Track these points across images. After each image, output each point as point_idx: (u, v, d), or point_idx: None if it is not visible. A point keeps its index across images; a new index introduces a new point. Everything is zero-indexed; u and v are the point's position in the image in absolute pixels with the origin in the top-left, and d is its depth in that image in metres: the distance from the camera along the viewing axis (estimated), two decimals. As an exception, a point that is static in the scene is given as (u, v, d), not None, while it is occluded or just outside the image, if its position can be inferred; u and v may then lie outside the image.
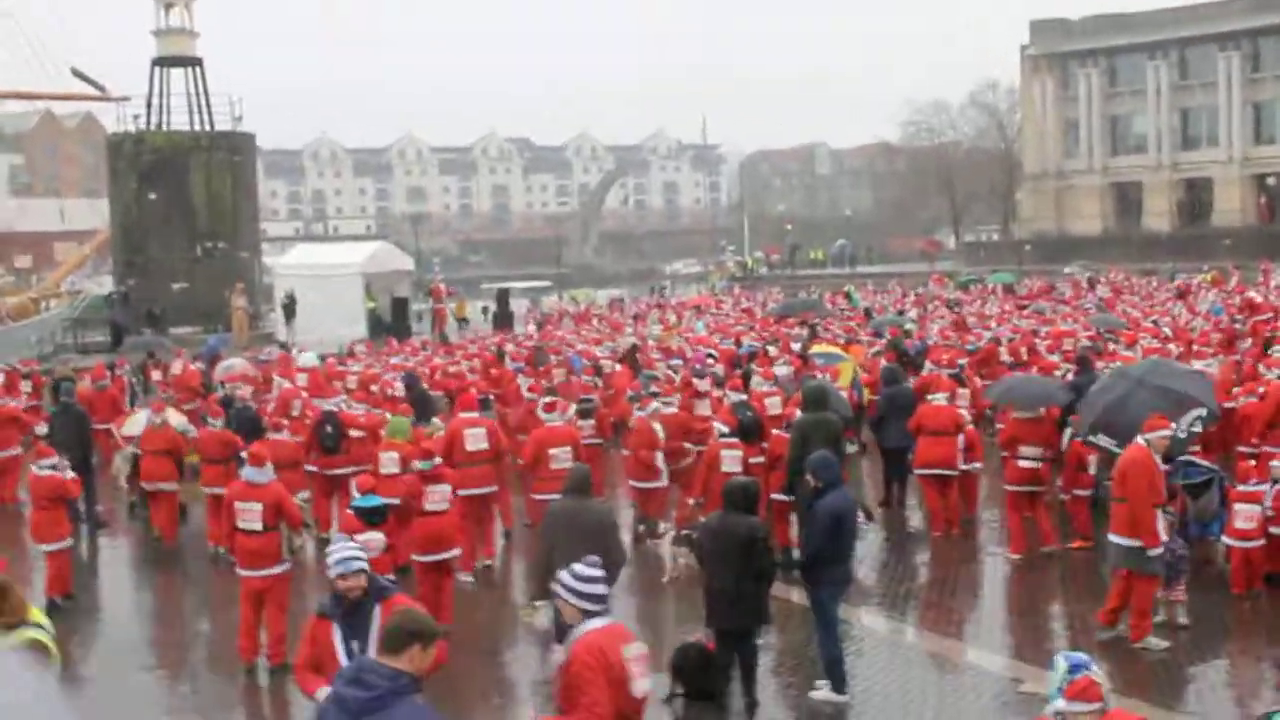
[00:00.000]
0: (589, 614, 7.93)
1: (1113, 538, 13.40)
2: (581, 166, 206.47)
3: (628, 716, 7.92)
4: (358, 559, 8.77)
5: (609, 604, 8.09)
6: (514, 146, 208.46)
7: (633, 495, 19.20)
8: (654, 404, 19.30)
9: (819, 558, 12.19)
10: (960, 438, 18.49)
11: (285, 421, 20.34)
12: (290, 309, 45.98)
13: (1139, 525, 13.08)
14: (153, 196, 49.51)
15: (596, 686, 7.67)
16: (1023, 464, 17.19)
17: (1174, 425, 14.59)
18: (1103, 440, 15.38)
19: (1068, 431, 17.45)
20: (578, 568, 8.08)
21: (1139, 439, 13.51)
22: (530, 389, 22.17)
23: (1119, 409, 15.49)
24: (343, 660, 8.23)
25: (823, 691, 12.28)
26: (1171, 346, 24.27)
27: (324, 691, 8.04)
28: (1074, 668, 6.61)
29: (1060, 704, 6.55)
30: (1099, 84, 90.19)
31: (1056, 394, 18.54)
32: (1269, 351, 22.14)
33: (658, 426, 18.55)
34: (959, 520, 18.52)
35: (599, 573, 8.03)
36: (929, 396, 19.13)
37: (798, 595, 13.45)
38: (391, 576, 13.63)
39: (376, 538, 13.12)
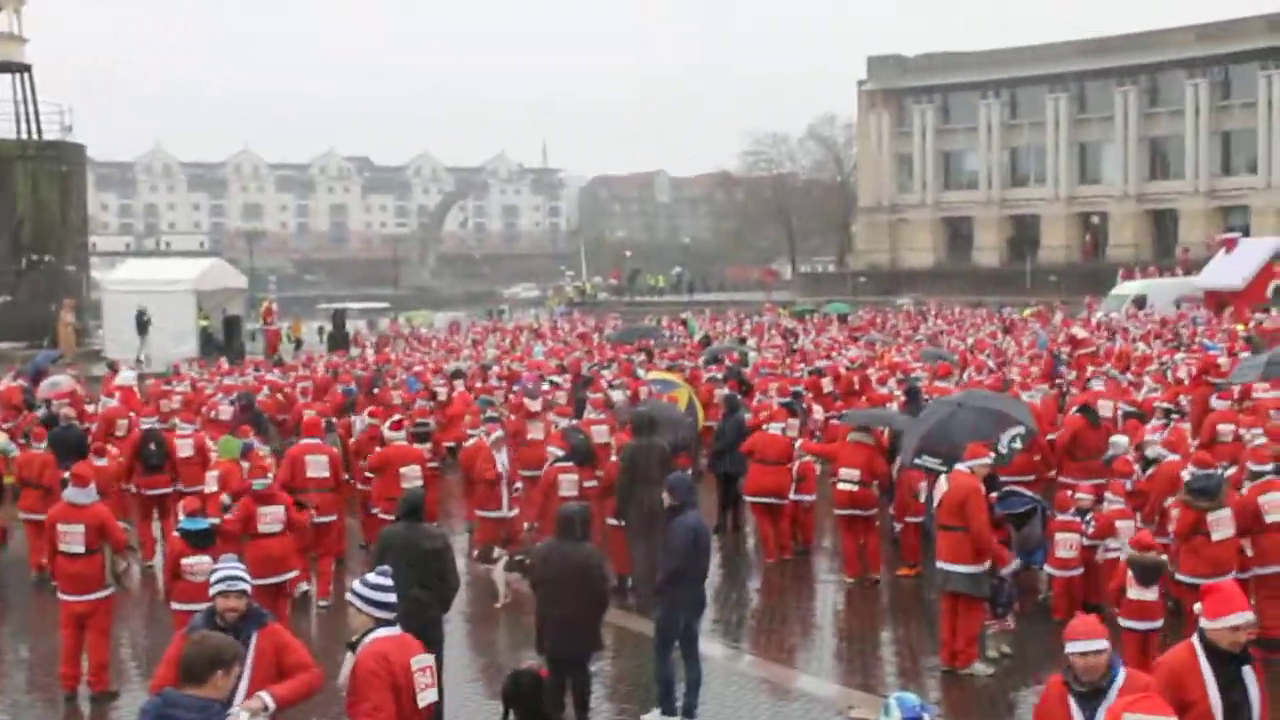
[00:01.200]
0: (380, 621, 8.10)
1: (944, 565, 13.62)
2: (421, 187, 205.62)
3: None
4: (241, 579, 8.69)
5: (398, 612, 8.23)
6: (353, 165, 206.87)
7: (479, 523, 18.66)
8: (497, 431, 19.01)
9: (678, 576, 12.23)
10: (794, 467, 18.72)
11: (109, 446, 19.79)
12: (143, 325, 44.67)
13: (984, 549, 13.41)
14: (-25, 206, 48.02)
15: (379, 692, 7.84)
16: (841, 486, 17.37)
17: (997, 440, 15.34)
18: (929, 461, 15.70)
19: (898, 460, 17.75)
20: (370, 576, 8.28)
21: (962, 466, 13.86)
22: (371, 413, 21.87)
23: (942, 431, 15.95)
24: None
25: (652, 715, 12.31)
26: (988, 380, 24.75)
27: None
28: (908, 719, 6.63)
29: None
30: (933, 120, 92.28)
31: (894, 419, 18.87)
32: (1088, 385, 22.74)
33: (499, 455, 18.26)
34: (790, 548, 18.71)
35: (389, 581, 8.22)
36: (765, 426, 19.31)
37: (633, 622, 13.49)
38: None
39: (204, 561, 12.83)
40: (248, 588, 8.73)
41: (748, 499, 19.13)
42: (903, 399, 22.02)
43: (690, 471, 19.87)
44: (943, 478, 14.01)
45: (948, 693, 13.06)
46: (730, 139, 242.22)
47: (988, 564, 13.60)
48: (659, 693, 12.38)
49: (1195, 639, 7.84)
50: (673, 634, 12.31)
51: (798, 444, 19.26)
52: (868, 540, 17.51)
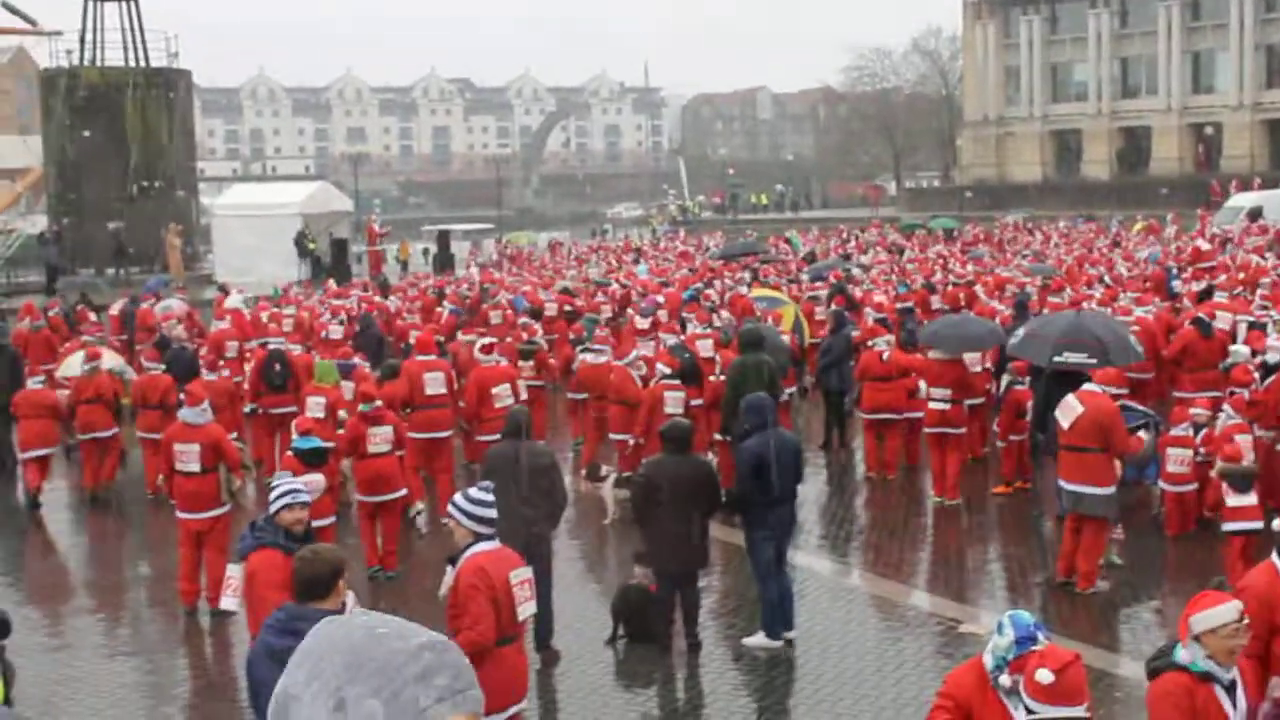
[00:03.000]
0: (479, 536, 8.15)
1: (1074, 487, 13.30)
2: (523, 108, 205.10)
3: (511, 638, 8.22)
4: (302, 492, 9.02)
5: (497, 527, 8.35)
6: (455, 87, 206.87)
7: (616, 446, 18.33)
8: (634, 352, 18.94)
9: (744, 499, 12.20)
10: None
11: (221, 362, 20.09)
12: (304, 249, 45.29)
13: (1110, 471, 13.16)
14: (87, 134, 48.44)
15: (478, 605, 7.95)
16: (932, 405, 17.15)
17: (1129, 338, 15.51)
18: (1072, 356, 15.23)
19: (1005, 379, 17.52)
20: (471, 490, 8.36)
21: (1095, 387, 13.62)
22: (464, 331, 21.96)
23: (1079, 327, 15.52)
24: None
25: (756, 638, 12.33)
26: (1099, 293, 24.37)
27: (230, 601, 8.37)
28: (1020, 641, 6.47)
29: (1004, 680, 6.44)
30: (1040, 31, 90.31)
31: (986, 338, 18.51)
32: (1202, 299, 22.28)
33: (635, 375, 18.14)
34: (895, 466, 18.56)
35: (489, 497, 8.31)
36: (869, 342, 19.13)
37: (741, 538, 13.49)
38: (332, 519, 13.64)
39: (317, 479, 13.03)
40: (309, 500, 9.11)
41: (862, 415, 18.97)
42: (1008, 313, 21.76)
43: (795, 389, 19.82)
44: (1072, 397, 13.58)
45: (1057, 608, 12.97)
46: (833, 54, 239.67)
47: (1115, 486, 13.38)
48: (763, 616, 12.39)
49: (1275, 555, 7.69)
50: (761, 556, 12.25)
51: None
52: (946, 459, 17.14)
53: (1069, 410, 13.45)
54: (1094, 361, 14.74)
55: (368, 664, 2.43)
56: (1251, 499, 12.70)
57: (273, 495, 9.06)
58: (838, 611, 13.34)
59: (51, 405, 19.03)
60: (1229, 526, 12.76)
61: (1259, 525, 12.57)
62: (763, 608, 12.37)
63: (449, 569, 8.30)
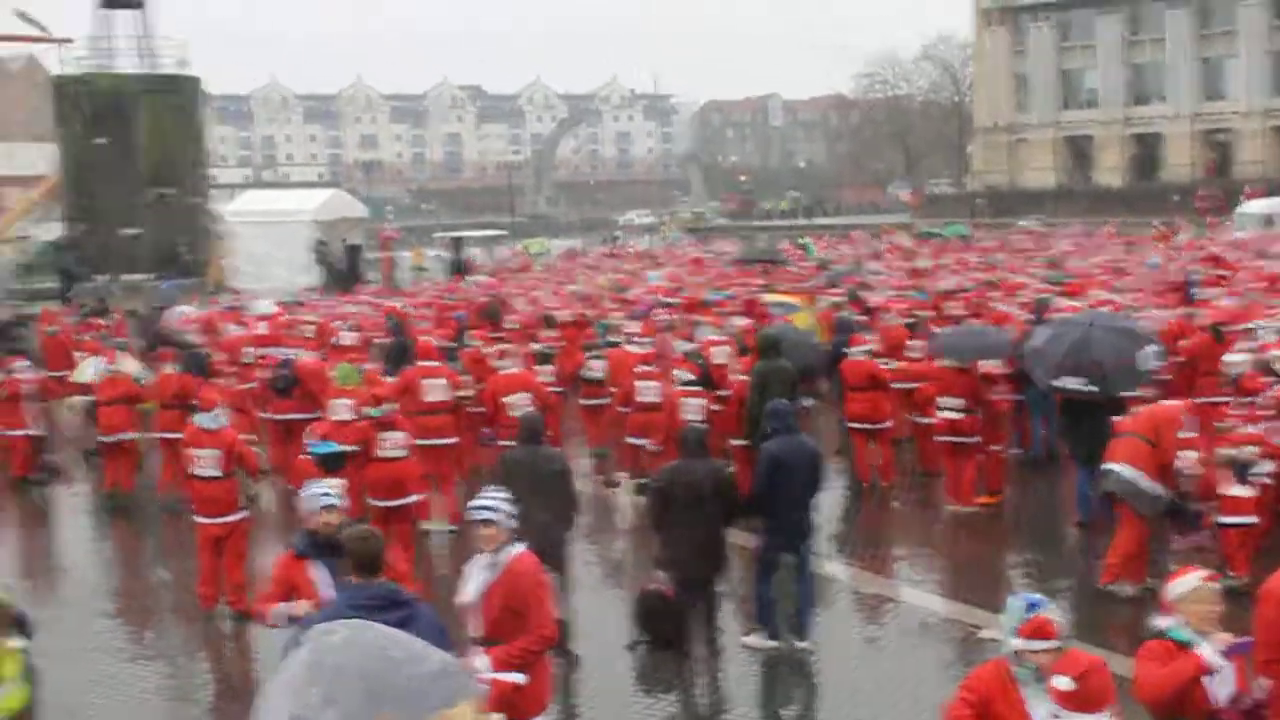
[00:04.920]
0: (515, 537, 8.27)
1: (1120, 468, 13.10)
2: (534, 115, 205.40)
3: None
4: (332, 495, 9.04)
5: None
6: (466, 95, 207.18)
7: (626, 452, 18.62)
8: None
9: (760, 501, 12.19)
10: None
11: (234, 368, 20.15)
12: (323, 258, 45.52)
13: (1150, 463, 12.99)
14: (100, 140, 48.65)
15: (546, 602, 8.13)
16: (942, 414, 17.03)
17: (1135, 358, 15.15)
18: (1070, 382, 15.30)
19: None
20: (496, 494, 8.36)
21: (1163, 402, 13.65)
22: (476, 335, 21.98)
23: (1081, 350, 15.45)
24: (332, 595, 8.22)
25: (754, 637, 12.34)
26: (1119, 298, 24.31)
27: (281, 611, 8.45)
28: (1030, 606, 6.54)
29: (1016, 643, 6.46)
30: (1051, 38, 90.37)
31: (998, 347, 18.35)
32: (1219, 303, 22.21)
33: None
34: (890, 474, 18.36)
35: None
36: (848, 350, 19.01)
37: (754, 543, 13.47)
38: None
39: (335, 484, 13.02)
40: (339, 503, 9.11)
41: (848, 424, 18.80)
42: (1026, 319, 21.68)
43: (819, 395, 19.74)
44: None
45: (1080, 611, 12.87)
46: (843, 61, 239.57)
47: (1162, 489, 13.15)
48: (758, 615, 12.43)
49: None
50: (768, 557, 12.33)
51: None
52: (963, 468, 17.03)
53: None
54: (1094, 389, 14.73)
55: (387, 692, 2.41)
56: (1249, 491, 12.76)
57: (304, 499, 9.10)
58: (856, 617, 13.32)
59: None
60: (1225, 520, 12.85)
61: (1254, 520, 12.74)
62: (758, 606, 12.42)
63: (483, 572, 8.25)
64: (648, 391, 17.87)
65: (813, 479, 12.38)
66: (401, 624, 6.68)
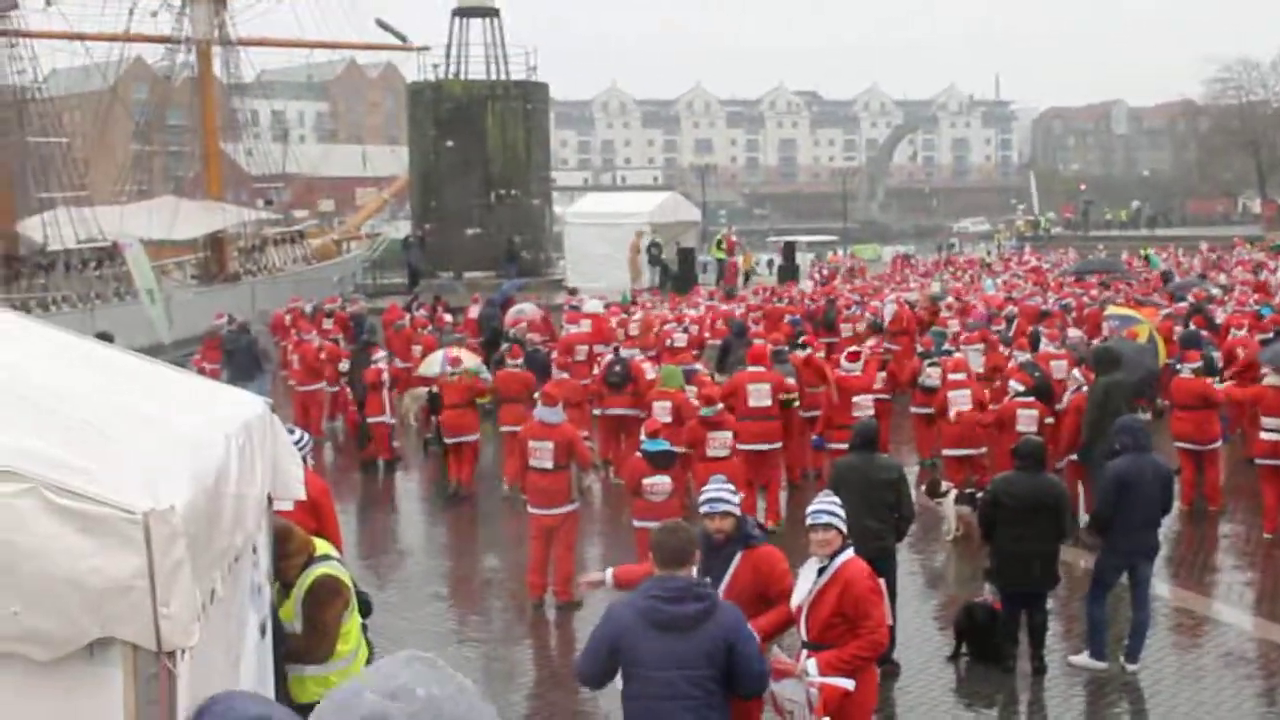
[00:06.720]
0: (847, 544, 8.29)
1: None
2: (870, 121, 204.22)
3: None
4: (725, 501, 8.60)
5: None
6: (801, 100, 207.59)
7: (951, 462, 18.18)
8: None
9: (1103, 519, 11.85)
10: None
11: (570, 363, 20.70)
12: (654, 258, 46.57)
13: None
14: (449, 144, 50.52)
15: (881, 609, 8.18)
16: (1264, 436, 16.13)
17: None
18: None
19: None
20: (836, 498, 8.31)
21: None
22: (805, 341, 21.96)
23: None
24: None
25: (1082, 657, 12.02)
26: None
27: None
28: None
29: None
30: None
31: None
32: None
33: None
34: (1189, 497, 17.29)
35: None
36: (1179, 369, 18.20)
37: (1085, 560, 13.13)
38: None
39: (663, 481, 13.25)
40: (735, 509, 8.61)
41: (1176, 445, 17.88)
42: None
43: (1159, 412, 19.00)
44: None
45: None
46: (1192, 66, 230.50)
47: None
48: (1088, 634, 12.11)
49: None
50: (1105, 577, 12.00)
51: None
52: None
53: None
54: None
55: None
56: None
57: (700, 499, 9.01)
58: (1187, 641, 12.82)
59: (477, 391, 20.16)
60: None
61: None
62: (1090, 627, 12.07)
63: (815, 576, 8.24)
64: (960, 400, 17.59)
65: (1162, 499, 11.97)
66: (700, 617, 6.82)
